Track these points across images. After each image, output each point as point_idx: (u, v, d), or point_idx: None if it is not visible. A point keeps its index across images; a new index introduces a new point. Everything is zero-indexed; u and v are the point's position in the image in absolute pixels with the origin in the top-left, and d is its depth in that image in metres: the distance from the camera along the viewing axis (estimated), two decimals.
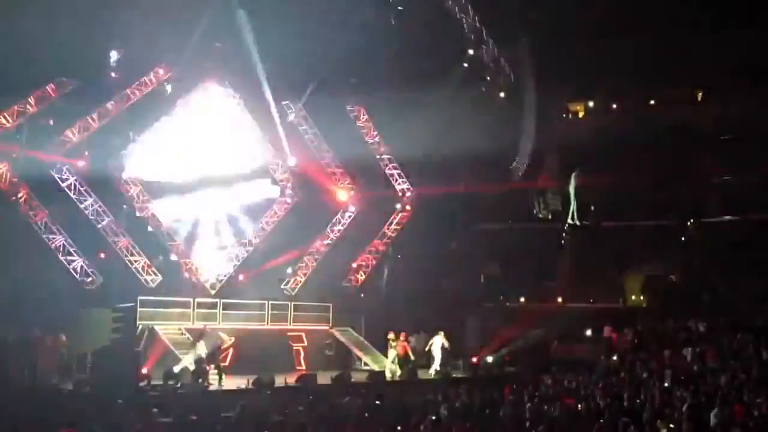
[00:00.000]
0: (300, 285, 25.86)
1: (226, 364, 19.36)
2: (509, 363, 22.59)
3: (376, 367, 21.73)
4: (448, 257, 27.76)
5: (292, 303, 23.55)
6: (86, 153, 22.39)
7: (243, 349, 20.31)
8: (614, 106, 30.21)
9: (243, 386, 17.14)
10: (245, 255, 25.25)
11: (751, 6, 23.02)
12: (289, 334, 22.72)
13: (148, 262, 22.87)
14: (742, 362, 16.61)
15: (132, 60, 23.03)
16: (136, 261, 22.66)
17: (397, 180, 27.84)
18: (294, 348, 22.68)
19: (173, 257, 23.97)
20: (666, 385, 15.01)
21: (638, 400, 12.89)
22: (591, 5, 23.14)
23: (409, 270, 26.67)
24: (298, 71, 24.14)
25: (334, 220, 27.12)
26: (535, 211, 30.11)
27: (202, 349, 18.15)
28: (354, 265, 26.92)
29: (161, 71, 23.61)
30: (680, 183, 26.43)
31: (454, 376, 20.64)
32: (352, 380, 18.76)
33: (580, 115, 31.33)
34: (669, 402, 12.54)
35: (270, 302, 22.57)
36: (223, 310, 21.34)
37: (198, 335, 18.90)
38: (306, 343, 22.85)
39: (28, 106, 21.34)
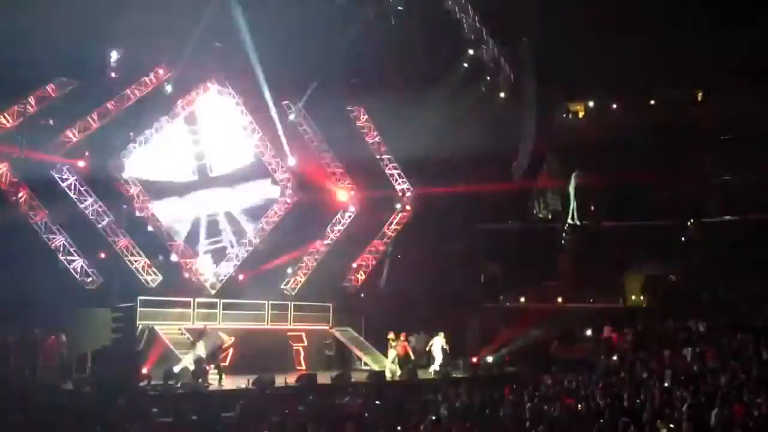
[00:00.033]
0: (300, 285, 25.85)
1: (226, 364, 19.36)
2: (509, 363, 22.60)
3: (376, 367, 21.75)
4: (448, 257, 27.75)
5: (292, 303, 23.58)
6: (86, 153, 22.36)
7: (243, 349, 20.29)
8: (614, 106, 30.20)
9: (243, 386, 17.13)
10: (245, 255, 25.23)
11: (751, 6, 23.03)
12: (289, 334, 22.73)
13: (148, 262, 22.84)
14: (742, 362, 16.62)
15: (132, 60, 23.03)
16: (136, 261, 22.65)
17: (397, 180, 27.84)
18: (294, 348, 22.70)
19: (173, 257, 23.96)
20: (666, 385, 15.03)
21: (638, 400, 12.91)
22: (591, 5, 23.14)
23: (409, 270, 26.66)
24: (298, 71, 24.12)
25: (334, 220, 27.11)
26: (535, 211, 30.19)
27: (201, 349, 18.17)
28: (354, 265, 26.91)
29: (161, 71, 23.60)
30: (680, 183, 26.44)
31: (454, 376, 20.64)
32: (352, 380, 18.75)
33: (580, 115, 31.31)
34: (669, 402, 12.55)
35: (270, 302, 22.60)
36: (223, 310, 21.37)
37: (198, 335, 18.92)
38: (306, 343, 22.87)
39: (28, 106, 21.31)
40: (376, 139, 27.53)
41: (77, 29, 18.98)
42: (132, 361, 18.15)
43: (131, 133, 23.31)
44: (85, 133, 22.22)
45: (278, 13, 21.26)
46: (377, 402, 14.24)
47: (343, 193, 27.28)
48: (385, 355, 21.53)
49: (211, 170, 25.38)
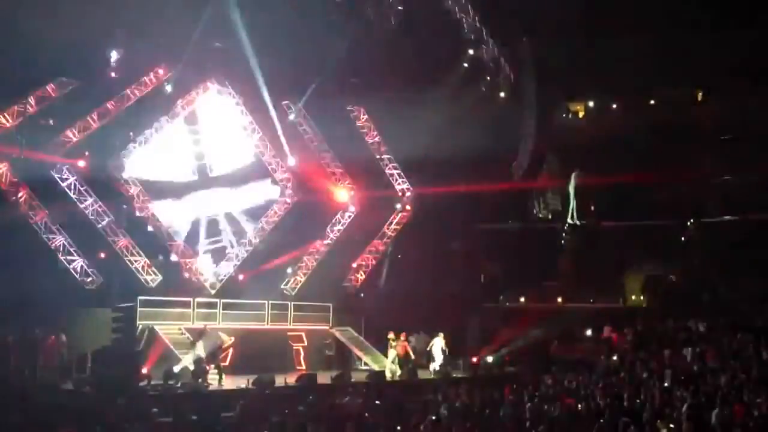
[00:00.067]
0: (300, 285, 25.85)
1: (226, 364, 19.37)
2: (509, 363, 22.61)
3: (376, 367, 21.75)
4: (448, 257, 27.75)
5: (292, 303, 23.58)
6: (86, 153, 22.36)
7: (243, 349, 20.30)
8: (614, 106, 30.20)
9: (243, 386, 17.13)
10: (245, 255, 25.23)
11: (751, 6, 23.03)
12: (289, 334, 22.74)
13: (148, 262, 22.84)
14: (742, 362, 16.64)
15: (132, 60, 23.00)
16: (136, 261, 22.64)
17: (397, 180, 27.83)
18: (294, 348, 22.70)
19: (173, 257, 23.96)
20: (666, 385, 15.03)
21: (638, 400, 12.91)
22: (591, 5, 23.14)
23: (409, 270, 26.65)
24: (297, 71, 24.11)
25: (334, 220, 27.10)
26: (535, 211, 30.19)
27: (201, 349, 18.17)
28: (354, 265, 26.90)
29: (161, 71, 23.59)
30: (680, 183, 26.43)
31: (454, 376, 20.64)
32: (352, 380, 18.75)
33: (580, 115, 31.31)
34: (669, 402, 12.55)
35: (270, 302, 22.60)
36: (223, 310, 21.38)
37: (198, 335, 18.92)
38: (306, 343, 22.88)
39: (28, 106, 21.31)
40: (376, 139, 27.52)
41: (77, 29, 18.98)
42: (132, 361, 18.16)
43: (131, 133, 23.31)
44: (85, 133, 22.22)
45: (278, 13, 21.25)
46: (377, 402, 14.25)
47: (343, 193, 27.27)
48: (385, 355, 21.53)
49: (211, 170, 25.37)
